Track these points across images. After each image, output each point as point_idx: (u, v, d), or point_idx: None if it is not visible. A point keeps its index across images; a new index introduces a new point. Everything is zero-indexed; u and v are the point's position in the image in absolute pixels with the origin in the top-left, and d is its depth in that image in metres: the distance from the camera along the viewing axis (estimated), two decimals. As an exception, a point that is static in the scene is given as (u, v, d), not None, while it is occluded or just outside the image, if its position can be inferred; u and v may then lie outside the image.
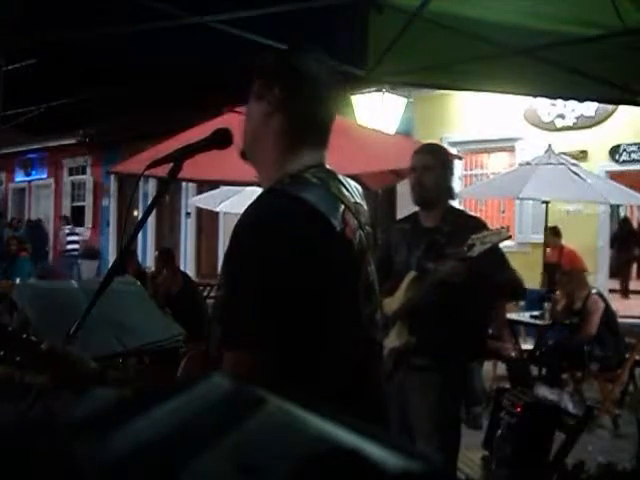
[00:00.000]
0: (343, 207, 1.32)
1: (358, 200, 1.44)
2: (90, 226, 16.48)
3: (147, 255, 13.85)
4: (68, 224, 15.82)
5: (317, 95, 1.40)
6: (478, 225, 2.84)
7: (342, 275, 1.29)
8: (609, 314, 5.66)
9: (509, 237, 2.71)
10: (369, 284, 1.39)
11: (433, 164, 2.85)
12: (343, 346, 1.29)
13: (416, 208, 3.00)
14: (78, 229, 15.80)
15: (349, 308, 1.32)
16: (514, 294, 3.14)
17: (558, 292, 6.41)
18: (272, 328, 1.19)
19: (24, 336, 1.34)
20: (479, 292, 2.79)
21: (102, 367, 1.33)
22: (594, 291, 5.81)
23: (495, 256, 2.72)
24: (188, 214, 14.08)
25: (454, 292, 2.63)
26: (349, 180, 1.46)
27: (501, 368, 6.10)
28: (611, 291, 9.30)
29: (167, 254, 6.31)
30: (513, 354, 5.76)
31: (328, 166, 1.41)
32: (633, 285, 12.30)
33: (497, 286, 2.82)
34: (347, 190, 1.40)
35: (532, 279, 6.71)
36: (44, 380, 1.30)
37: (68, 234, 15.44)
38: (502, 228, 2.71)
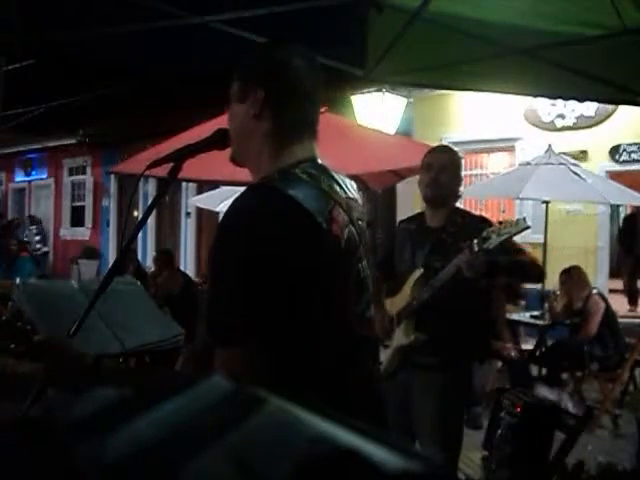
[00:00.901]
0: (332, 203, 1.32)
1: (351, 195, 1.43)
2: (90, 226, 16.47)
3: (147, 255, 13.85)
4: (33, 224, 15.87)
5: (300, 90, 1.39)
6: (484, 224, 2.84)
7: (328, 271, 1.28)
8: (609, 314, 5.66)
9: (528, 227, 2.64)
10: (360, 280, 1.38)
11: (449, 164, 2.86)
12: (330, 343, 1.29)
13: (416, 209, 3.00)
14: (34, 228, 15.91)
15: (336, 305, 1.31)
16: (535, 276, 3.09)
17: (558, 291, 6.41)
18: (258, 324, 1.19)
19: (19, 324, 1.35)
20: (487, 289, 2.78)
21: (96, 358, 1.34)
22: (595, 291, 5.80)
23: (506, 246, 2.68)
24: (188, 214, 14.08)
25: (461, 290, 2.63)
26: (342, 176, 1.45)
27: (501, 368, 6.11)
28: (611, 291, 9.29)
29: (166, 255, 6.31)
30: (513, 354, 5.76)
31: (320, 161, 1.40)
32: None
33: (512, 268, 2.78)
34: (339, 185, 1.39)
35: (532, 279, 6.72)
36: (38, 369, 1.31)
37: (36, 234, 15.49)
38: (519, 220, 2.61)
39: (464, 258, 2.57)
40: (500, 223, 2.60)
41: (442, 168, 2.82)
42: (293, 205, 1.24)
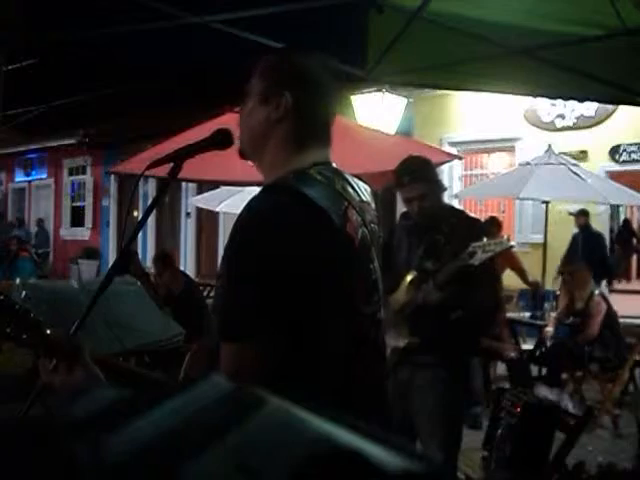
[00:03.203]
0: (346, 204, 1.33)
1: (365, 199, 1.44)
2: (90, 226, 16.48)
3: (147, 255, 13.84)
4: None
5: (323, 97, 1.42)
6: (477, 226, 2.87)
7: (340, 270, 1.29)
8: (611, 315, 5.64)
9: (511, 247, 2.71)
10: (372, 282, 1.39)
11: (428, 190, 2.82)
12: (338, 342, 1.29)
13: None
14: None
15: (346, 304, 1.31)
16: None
17: (558, 291, 6.41)
18: (272, 319, 1.20)
19: (32, 315, 1.36)
20: (476, 292, 2.81)
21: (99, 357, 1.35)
22: (597, 292, 5.77)
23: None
24: (188, 214, 14.08)
25: (451, 292, 2.65)
26: (357, 180, 1.47)
27: (501, 368, 6.11)
28: (611, 291, 9.29)
29: (166, 257, 6.27)
30: (513, 354, 5.76)
31: (334, 165, 1.42)
32: (636, 285, 12.39)
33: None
34: (353, 189, 1.41)
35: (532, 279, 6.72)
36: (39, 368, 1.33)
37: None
38: (503, 237, 2.72)
39: (449, 272, 2.64)
40: (487, 240, 2.67)
41: (421, 198, 2.79)
42: (308, 203, 1.25)
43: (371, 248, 1.39)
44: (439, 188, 2.91)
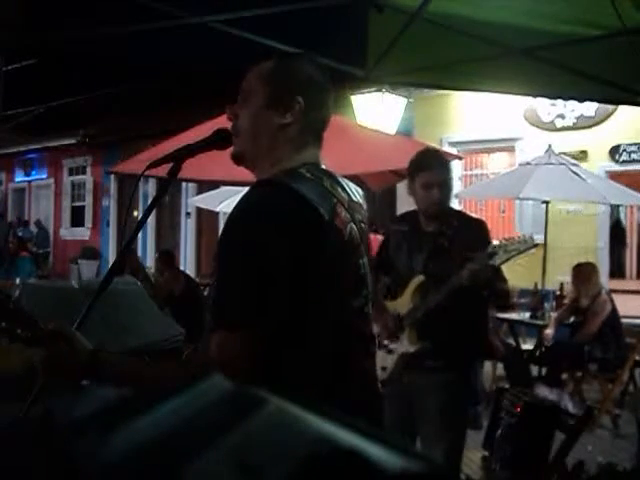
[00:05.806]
0: (335, 201, 1.35)
1: (355, 199, 1.47)
2: (90, 226, 16.47)
3: (147, 255, 13.84)
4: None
5: (323, 99, 1.45)
6: (479, 226, 2.85)
7: (329, 263, 1.31)
8: (614, 316, 5.62)
9: (535, 246, 2.63)
10: (360, 277, 1.41)
11: (450, 178, 2.83)
12: (328, 334, 1.31)
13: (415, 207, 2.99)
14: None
15: (335, 297, 1.33)
16: (502, 304, 3.17)
17: (558, 291, 6.40)
18: (263, 309, 1.22)
19: (26, 312, 1.37)
20: (481, 294, 2.79)
21: (96, 348, 1.34)
22: (604, 291, 5.75)
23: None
24: (188, 214, 14.07)
25: (460, 295, 2.62)
26: (347, 181, 1.49)
27: (501, 368, 6.11)
28: (611, 291, 9.28)
29: (168, 256, 6.28)
30: (502, 350, 5.74)
31: (324, 166, 1.44)
32: (634, 285, 12.42)
33: (492, 294, 2.83)
34: (343, 189, 1.43)
35: (532, 279, 6.72)
36: (42, 355, 1.33)
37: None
38: (526, 236, 2.62)
39: (467, 272, 2.56)
40: (507, 239, 2.60)
41: (444, 185, 2.78)
42: (298, 198, 1.27)
43: (360, 245, 1.41)
44: (452, 185, 2.91)
